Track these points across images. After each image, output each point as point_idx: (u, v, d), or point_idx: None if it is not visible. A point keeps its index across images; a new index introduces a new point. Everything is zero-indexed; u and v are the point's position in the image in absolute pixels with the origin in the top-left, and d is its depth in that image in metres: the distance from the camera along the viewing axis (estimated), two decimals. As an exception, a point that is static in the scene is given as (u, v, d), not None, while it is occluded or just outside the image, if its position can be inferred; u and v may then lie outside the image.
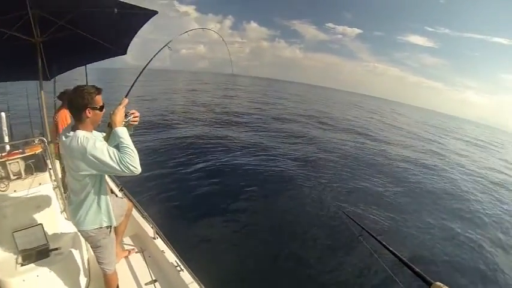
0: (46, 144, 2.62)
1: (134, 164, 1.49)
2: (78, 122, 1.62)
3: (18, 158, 2.41)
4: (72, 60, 3.27)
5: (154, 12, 2.44)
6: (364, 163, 10.18)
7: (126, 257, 2.47)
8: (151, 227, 2.41)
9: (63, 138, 1.59)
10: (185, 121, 13.13)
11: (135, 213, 2.81)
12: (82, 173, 1.56)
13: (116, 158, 1.47)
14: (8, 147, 2.74)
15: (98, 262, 1.97)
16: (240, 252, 4.07)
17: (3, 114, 3.70)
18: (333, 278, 3.89)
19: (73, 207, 1.78)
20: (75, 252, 2.30)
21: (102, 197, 1.76)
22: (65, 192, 2.68)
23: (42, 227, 2.26)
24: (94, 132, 1.73)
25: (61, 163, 3.19)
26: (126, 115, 1.68)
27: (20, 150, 2.48)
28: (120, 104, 1.64)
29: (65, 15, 2.35)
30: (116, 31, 2.75)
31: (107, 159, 1.46)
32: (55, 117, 3.36)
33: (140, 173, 1.48)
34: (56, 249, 2.25)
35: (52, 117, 3.44)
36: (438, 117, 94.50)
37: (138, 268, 2.19)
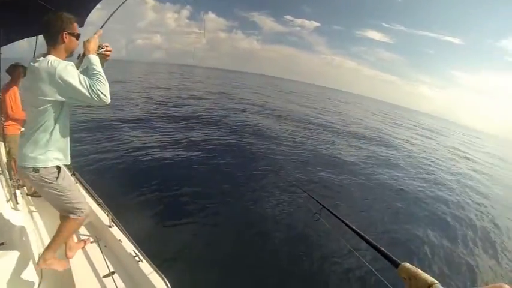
0: None
1: (104, 91, 1.46)
2: (51, 47, 1.55)
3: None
4: (23, 30, 2.91)
5: None
6: (317, 150, 10.45)
7: (83, 248, 2.28)
8: (107, 215, 2.24)
9: (31, 63, 1.47)
10: (133, 108, 12.92)
11: (88, 200, 2.59)
12: (45, 97, 1.44)
13: (86, 84, 1.42)
14: None
15: (61, 211, 1.80)
16: (201, 240, 3.98)
17: None
18: (297, 260, 3.93)
19: (23, 140, 1.60)
20: (24, 247, 2.05)
21: (60, 132, 1.61)
22: (10, 179, 2.40)
23: None
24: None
25: (6, 146, 2.85)
26: (99, 47, 1.66)
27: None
28: (95, 34, 1.64)
29: None
30: (74, 2, 2.48)
31: (77, 84, 1.41)
32: (3, 94, 3.00)
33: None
34: (2, 244, 2.00)
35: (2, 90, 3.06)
36: (396, 110, 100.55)
37: (95, 259, 2.03)
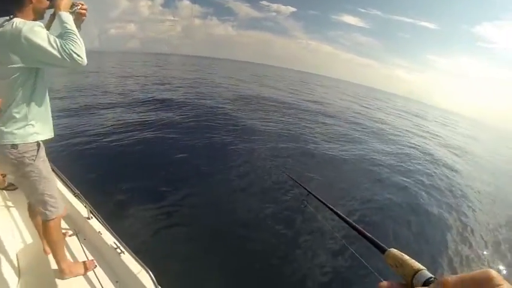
0: None
1: (79, 52, 1.31)
2: (17, 10, 1.36)
3: None
4: None
5: None
6: (298, 132, 10.52)
7: None
8: (85, 206, 2.14)
9: None
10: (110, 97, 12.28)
11: (65, 192, 2.46)
12: (14, 65, 1.28)
13: (57, 44, 1.27)
14: None
15: (36, 201, 1.61)
16: (183, 230, 3.87)
17: None
18: (284, 248, 3.88)
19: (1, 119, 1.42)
20: (1, 244, 1.94)
21: (38, 102, 1.46)
22: None
23: None
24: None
25: None
26: (73, 5, 1.51)
27: None
28: None
29: None
30: None
31: (46, 45, 1.25)
32: None
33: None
34: None
35: None
36: (372, 93, 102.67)
37: (75, 252, 1.95)
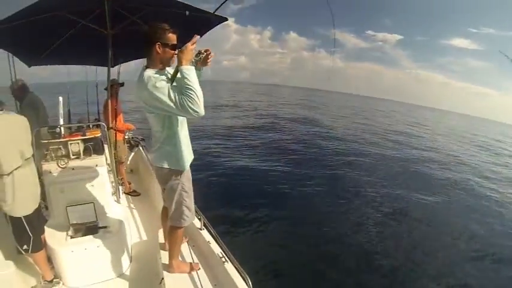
0: (105, 129, 2.81)
1: (195, 107, 1.42)
2: (148, 59, 1.61)
3: (79, 139, 2.59)
4: (134, 52, 3.44)
5: (224, 19, 2.51)
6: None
7: None
8: (199, 219, 2.47)
9: (136, 79, 1.61)
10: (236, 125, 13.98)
11: None
12: (148, 112, 1.60)
13: (176, 99, 1.42)
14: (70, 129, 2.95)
15: (175, 210, 1.87)
16: (287, 249, 4.29)
17: (60, 98, 4.00)
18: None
19: (154, 141, 1.79)
20: (122, 234, 2.43)
21: (179, 131, 1.73)
22: (116, 177, 2.86)
23: (94, 206, 2.40)
24: (167, 68, 1.68)
25: (111, 150, 3.36)
26: (198, 54, 1.64)
27: (81, 133, 2.66)
28: (188, 42, 1.54)
29: (138, 11, 2.51)
30: (183, 31, 2.85)
31: (166, 99, 1.42)
32: (112, 104, 3.46)
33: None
34: (105, 227, 2.39)
35: (104, 104, 3.63)
36: (493, 126, 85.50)
37: (184, 254, 2.26)
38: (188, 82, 1.43)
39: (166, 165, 1.77)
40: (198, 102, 1.43)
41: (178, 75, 1.52)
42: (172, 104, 1.42)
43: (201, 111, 1.45)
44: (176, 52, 1.56)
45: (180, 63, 1.50)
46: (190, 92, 1.42)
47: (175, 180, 1.81)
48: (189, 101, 1.40)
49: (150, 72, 1.51)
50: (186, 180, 1.86)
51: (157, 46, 1.53)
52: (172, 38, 1.58)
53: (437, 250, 4.99)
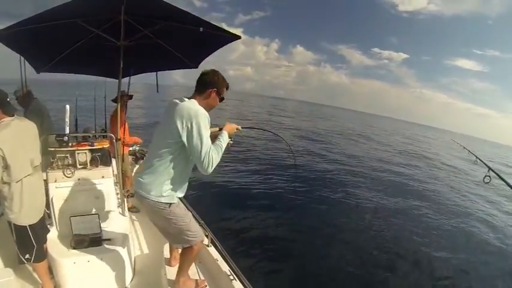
0: (114, 141, 2.80)
1: (214, 163, 1.54)
2: (197, 94, 1.71)
3: (86, 149, 2.56)
4: (146, 65, 3.47)
5: (238, 37, 2.54)
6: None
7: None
8: (207, 236, 2.40)
9: (176, 101, 1.62)
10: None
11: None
12: (177, 133, 1.53)
13: (207, 146, 1.51)
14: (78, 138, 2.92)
15: (179, 238, 1.80)
16: (300, 269, 4.15)
17: (67, 106, 4.00)
18: None
19: (145, 164, 1.74)
20: (126, 247, 2.38)
21: (181, 168, 1.67)
22: (122, 189, 2.83)
23: (98, 217, 2.36)
24: None
25: (117, 162, 3.32)
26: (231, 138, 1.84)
27: (89, 143, 2.63)
28: (238, 126, 1.87)
29: (152, 25, 2.53)
30: (194, 46, 2.90)
31: (203, 137, 1.50)
32: (121, 115, 3.39)
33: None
34: (109, 239, 2.35)
35: (112, 115, 3.61)
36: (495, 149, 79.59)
37: (189, 273, 2.21)
38: (221, 144, 1.65)
39: (153, 198, 1.64)
40: (216, 163, 1.56)
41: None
42: (200, 148, 1.50)
43: (210, 171, 1.55)
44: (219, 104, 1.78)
45: (225, 128, 1.77)
46: (219, 150, 1.61)
47: (165, 211, 1.69)
48: (214, 156, 1.53)
49: (203, 110, 1.59)
50: (175, 207, 1.74)
51: (213, 91, 1.70)
52: (226, 92, 1.79)
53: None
